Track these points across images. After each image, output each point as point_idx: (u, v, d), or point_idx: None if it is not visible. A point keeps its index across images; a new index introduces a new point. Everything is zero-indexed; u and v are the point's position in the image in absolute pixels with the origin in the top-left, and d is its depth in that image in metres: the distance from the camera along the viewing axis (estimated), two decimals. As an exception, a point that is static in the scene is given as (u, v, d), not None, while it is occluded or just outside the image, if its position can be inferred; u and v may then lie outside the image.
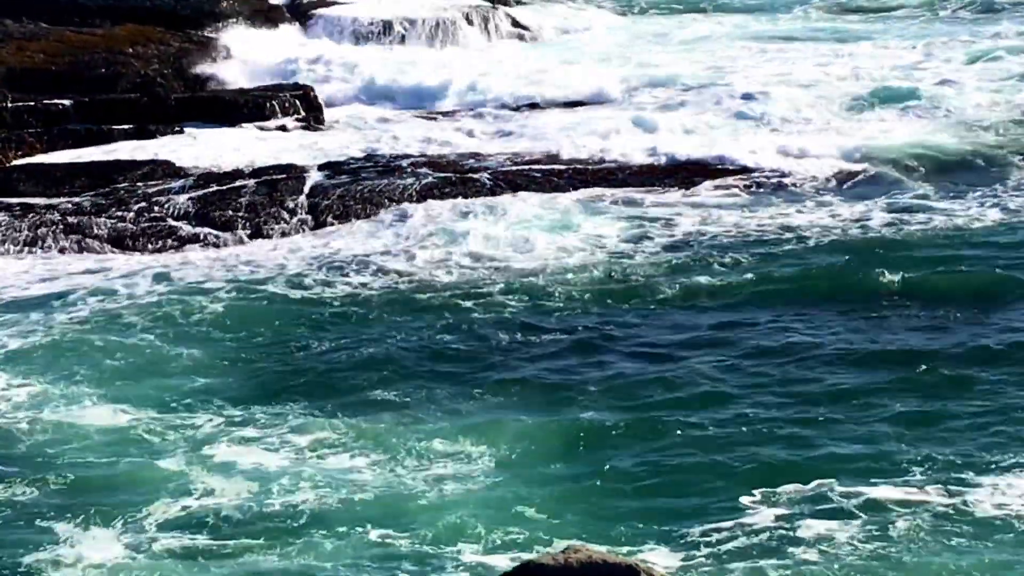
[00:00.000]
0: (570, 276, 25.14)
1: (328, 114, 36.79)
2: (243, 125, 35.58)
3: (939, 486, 17.23)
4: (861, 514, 16.71)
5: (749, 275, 24.70)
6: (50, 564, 16.29)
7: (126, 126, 35.05)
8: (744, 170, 30.64)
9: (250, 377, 21.29)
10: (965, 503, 16.86)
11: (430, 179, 30.68)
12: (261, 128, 35.50)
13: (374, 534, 16.69)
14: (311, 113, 36.70)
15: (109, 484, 18.11)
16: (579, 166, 31.51)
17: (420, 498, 17.50)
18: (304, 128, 35.91)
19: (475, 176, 30.94)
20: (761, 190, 29.46)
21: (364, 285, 25.21)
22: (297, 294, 24.90)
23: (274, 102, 36.53)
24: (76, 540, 16.74)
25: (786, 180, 29.91)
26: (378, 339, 22.60)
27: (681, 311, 23.46)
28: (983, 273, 24.26)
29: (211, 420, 19.80)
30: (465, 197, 29.64)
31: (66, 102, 35.53)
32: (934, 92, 35.88)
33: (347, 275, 25.68)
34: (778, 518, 16.66)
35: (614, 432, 19.02)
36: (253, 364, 21.80)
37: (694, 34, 45.36)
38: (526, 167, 31.49)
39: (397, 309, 23.97)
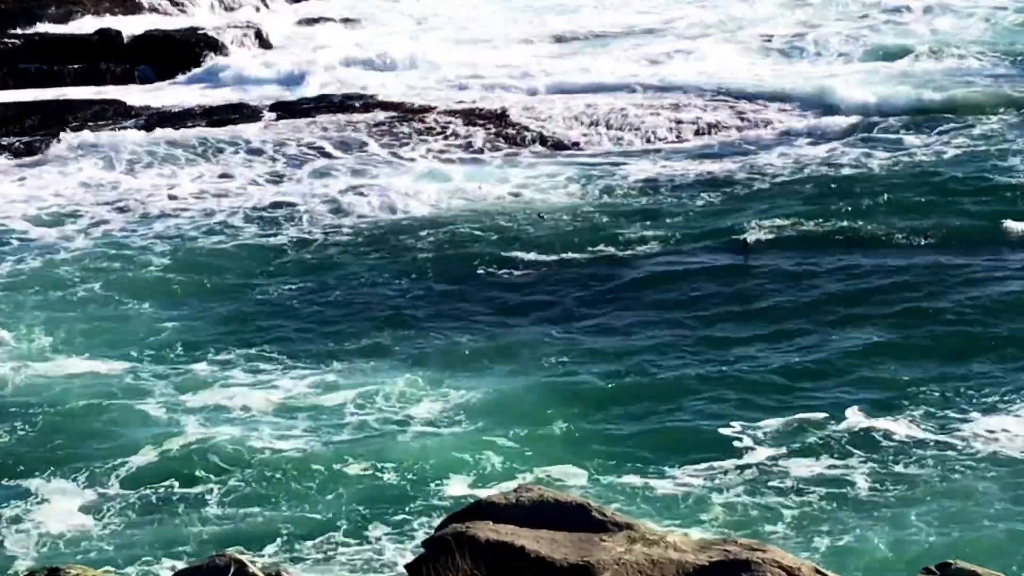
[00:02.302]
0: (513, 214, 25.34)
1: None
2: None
3: (932, 422, 17.32)
4: (854, 450, 16.78)
5: (730, 207, 24.81)
6: (27, 516, 16.19)
7: (77, 65, 34.97)
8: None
9: (216, 323, 21.03)
10: (961, 438, 16.98)
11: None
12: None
13: (357, 472, 16.75)
14: (263, 49, 36.78)
15: (87, 434, 17.87)
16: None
17: (402, 436, 17.56)
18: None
19: (424, 115, 31.21)
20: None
21: (318, 226, 25.12)
22: (251, 233, 24.86)
23: (227, 37, 36.57)
24: (53, 490, 16.60)
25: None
26: (341, 281, 22.48)
27: (648, 255, 23.30)
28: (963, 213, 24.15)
29: (182, 367, 19.57)
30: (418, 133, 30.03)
31: (17, 41, 35.41)
32: None
33: (301, 216, 25.68)
34: (766, 455, 16.77)
35: (592, 370, 19.05)
36: (216, 309, 21.51)
37: None
38: (473, 107, 31.78)
39: (357, 251, 23.83)
